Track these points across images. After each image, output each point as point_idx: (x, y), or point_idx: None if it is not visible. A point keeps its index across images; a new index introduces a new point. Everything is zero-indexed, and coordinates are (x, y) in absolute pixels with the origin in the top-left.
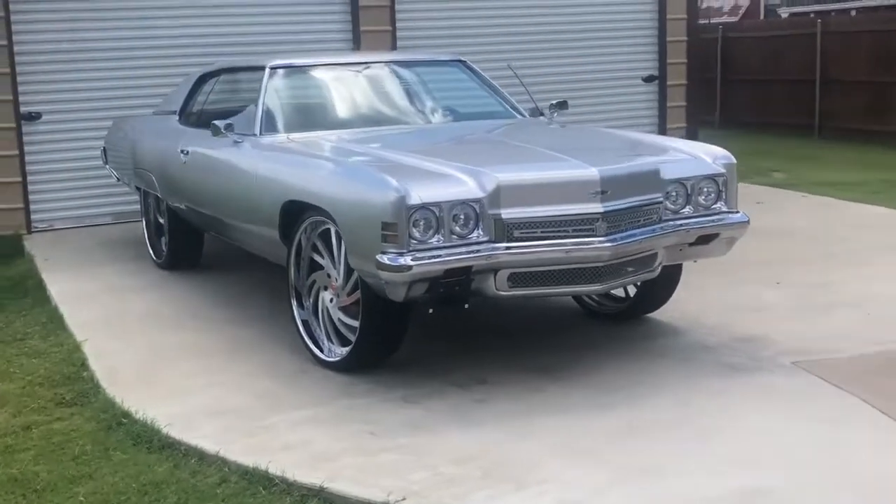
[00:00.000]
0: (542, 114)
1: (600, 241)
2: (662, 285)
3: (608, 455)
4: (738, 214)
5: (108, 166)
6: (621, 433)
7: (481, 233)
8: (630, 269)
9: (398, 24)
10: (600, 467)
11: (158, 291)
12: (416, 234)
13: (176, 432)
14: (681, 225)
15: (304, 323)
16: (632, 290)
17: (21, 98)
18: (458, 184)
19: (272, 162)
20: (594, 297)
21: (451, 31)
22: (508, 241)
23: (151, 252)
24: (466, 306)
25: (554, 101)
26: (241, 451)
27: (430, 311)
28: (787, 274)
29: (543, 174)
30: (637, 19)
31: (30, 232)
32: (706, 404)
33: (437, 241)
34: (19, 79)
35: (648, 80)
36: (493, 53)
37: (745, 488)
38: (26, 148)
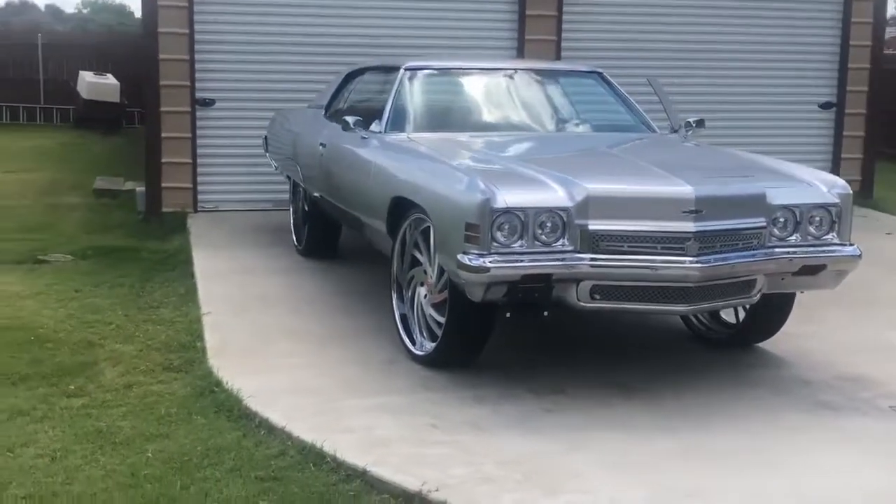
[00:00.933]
0: (676, 131)
1: (690, 262)
2: (771, 314)
3: (653, 474)
4: (850, 247)
5: (267, 155)
6: (675, 456)
7: (567, 242)
8: (723, 293)
9: (564, 35)
10: (641, 485)
11: (289, 276)
12: (500, 238)
13: (255, 404)
14: (784, 253)
15: (402, 316)
16: (741, 316)
17: (197, 84)
18: (548, 191)
19: (388, 158)
20: (702, 320)
21: (619, 45)
22: (594, 253)
23: (294, 239)
24: (546, 314)
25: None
26: (307, 428)
27: (508, 315)
28: None
29: (635, 188)
30: (817, 42)
31: (195, 211)
32: (779, 437)
33: (520, 247)
34: (197, 66)
35: (825, 106)
36: (662, 69)
37: None
38: (198, 132)
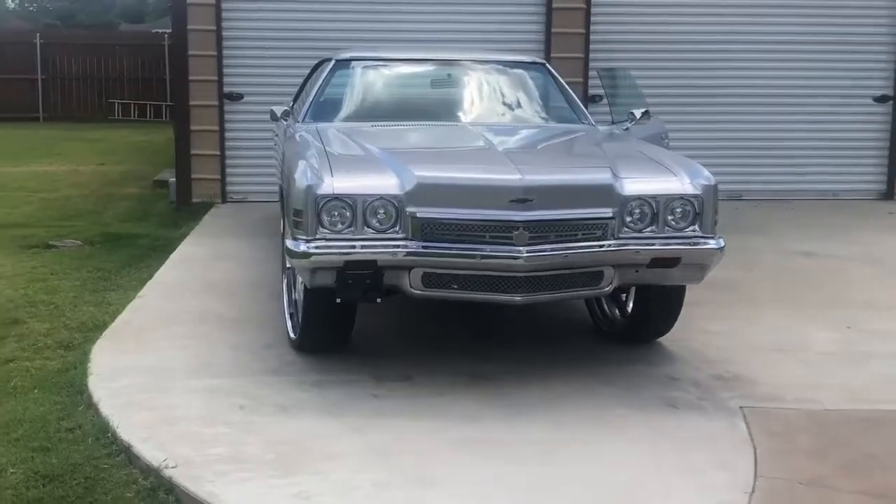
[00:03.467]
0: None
1: (517, 251)
2: (657, 309)
3: (411, 460)
4: (712, 240)
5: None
6: (458, 444)
7: (399, 229)
8: (563, 284)
9: (592, 28)
10: (385, 470)
11: (253, 264)
12: (327, 223)
13: (93, 382)
14: (629, 245)
15: (294, 302)
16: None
17: (225, 80)
18: (383, 178)
19: (286, 148)
20: (599, 312)
21: (649, 37)
22: (423, 241)
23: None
24: (379, 301)
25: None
26: (117, 405)
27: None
28: (873, 318)
29: (464, 175)
30: (872, 34)
31: (224, 201)
32: (584, 431)
33: (350, 233)
34: (224, 62)
35: (881, 100)
36: (699, 63)
37: None
38: (226, 125)
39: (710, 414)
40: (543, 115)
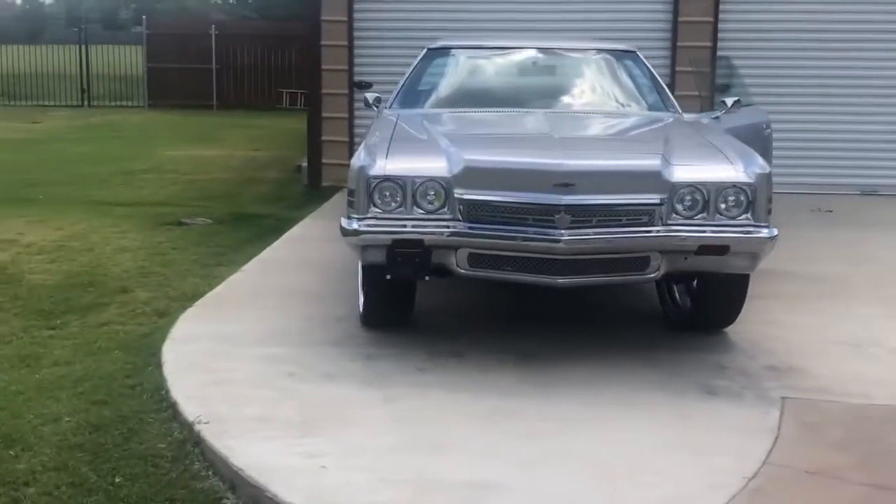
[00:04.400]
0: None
1: (558, 234)
2: (720, 298)
3: (429, 429)
4: (764, 230)
5: None
6: (474, 416)
7: (447, 211)
8: (606, 268)
9: (721, 17)
10: (405, 435)
11: None
12: (378, 203)
13: (167, 346)
14: (676, 232)
15: None
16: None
17: (355, 69)
18: (433, 161)
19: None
20: (669, 300)
21: (780, 25)
22: (469, 222)
23: None
24: (427, 279)
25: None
26: (181, 367)
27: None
28: None
29: (509, 159)
30: None
31: None
32: (608, 413)
33: (400, 213)
34: (355, 52)
35: None
36: (828, 51)
37: (477, 482)
38: (355, 112)
39: (746, 402)
40: (627, 103)
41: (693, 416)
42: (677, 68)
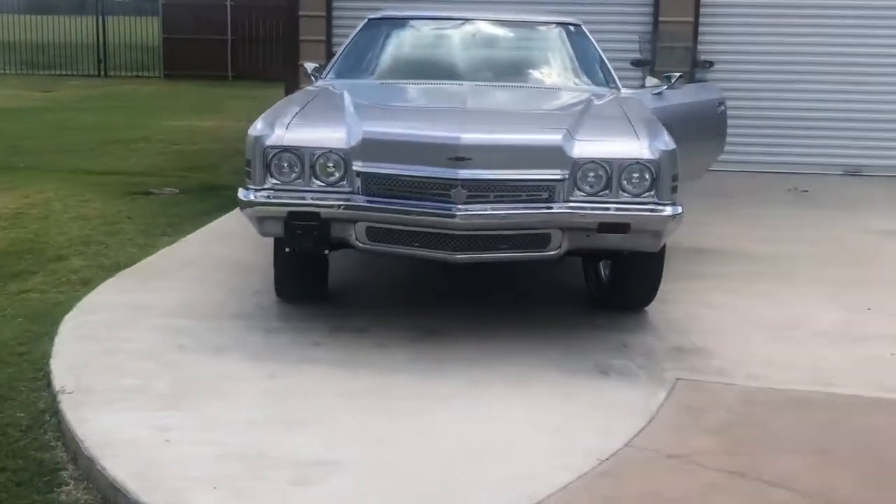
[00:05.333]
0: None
1: (453, 209)
2: (634, 277)
3: (295, 404)
4: (668, 207)
5: None
6: (345, 393)
7: (346, 183)
8: (504, 244)
9: None
10: (269, 410)
11: None
12: (276, 175)
13: (72, 314)
14: (575, 208)
15: None
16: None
17: (333, 41)
18: (333, 132)
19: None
20: (596, 276)
21: (767, 1)
22: (368, 195)
23: None
24: (327, 252)
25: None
26: (76, 335)
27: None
28: None
29: (406, 132)
30: None
31: None
32: (486, 391)
33: (298, 185)
34: (333, 22)
35: None
36: (813, 28)
37: (320, 460)
38: None
39: (637, 383)
40: (564, 76)
41: (576, 396)
42: (658, 44)
